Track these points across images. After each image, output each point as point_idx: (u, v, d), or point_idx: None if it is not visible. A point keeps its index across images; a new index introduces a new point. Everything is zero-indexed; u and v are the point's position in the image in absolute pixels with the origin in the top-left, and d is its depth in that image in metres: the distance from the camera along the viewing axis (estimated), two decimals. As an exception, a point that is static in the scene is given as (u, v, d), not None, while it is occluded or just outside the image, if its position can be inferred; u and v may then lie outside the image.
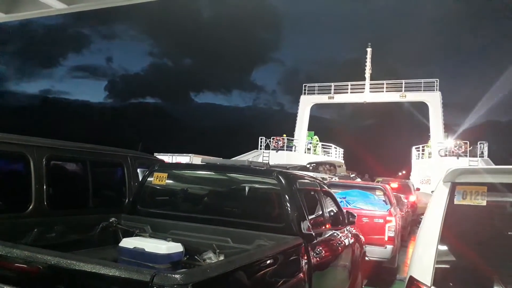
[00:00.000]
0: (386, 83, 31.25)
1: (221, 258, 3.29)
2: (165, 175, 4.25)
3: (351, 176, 17.52)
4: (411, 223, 13.93)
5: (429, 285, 2.30)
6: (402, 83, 30.80)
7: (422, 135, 33.34)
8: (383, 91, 31.28)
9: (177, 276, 1.88)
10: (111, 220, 3.96)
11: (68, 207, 4.23)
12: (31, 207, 3.77)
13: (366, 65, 32.18)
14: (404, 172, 35.82)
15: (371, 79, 31.76)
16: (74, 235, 3.79)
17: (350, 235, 5.11)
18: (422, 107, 32.25)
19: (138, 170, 5.23)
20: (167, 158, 19.45)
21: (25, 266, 2.18)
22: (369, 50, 32.78)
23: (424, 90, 30.30)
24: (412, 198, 16.49)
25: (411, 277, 2.43)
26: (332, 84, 32.44)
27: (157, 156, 7.51)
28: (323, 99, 33.07)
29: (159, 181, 4.24)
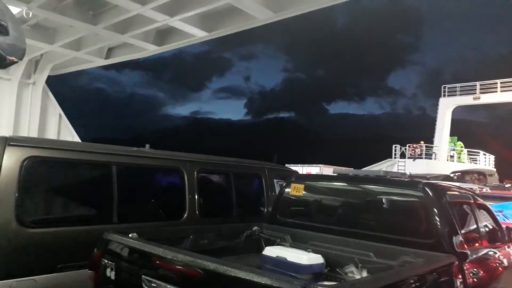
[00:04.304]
0: (549, 77, 26.67)
1: (364, 273, 3.18)
2: (302, 186, 4.32)
3: (507, 186, 15.32)
4: None
5: None
6: None
7: None
8: (544, 87, 26.79)
9: (326, 288, 1.88)
10: (254, 229, 4.18)
11: (216, 215, 4.61)
12: (185, 215, 4.22)
13: (519, 59, 28.02)
14: None
15: (528, 73, 27.43)
16: (222, 241, 4.09)
17: (511, 253, 4.45)
18: None
19: (274, 180, 5.44)
20: (298, 168, 19.74)
21: (186, 269, 2.43)
22: (522, 40, 28.51)
23: None
24: None
25: None
26: (478, 83, 28.95)
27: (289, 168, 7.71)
28: (466, 100, 29.64)
29: (296, 192, 4.33)
